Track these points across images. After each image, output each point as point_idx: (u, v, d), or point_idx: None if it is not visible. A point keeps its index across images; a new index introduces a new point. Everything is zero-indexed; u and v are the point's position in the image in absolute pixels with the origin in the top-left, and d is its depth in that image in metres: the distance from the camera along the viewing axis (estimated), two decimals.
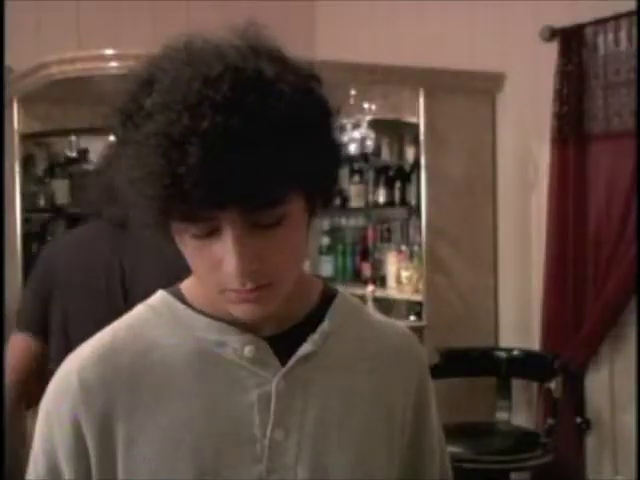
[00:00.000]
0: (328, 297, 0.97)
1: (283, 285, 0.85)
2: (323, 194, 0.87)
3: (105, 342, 0.92)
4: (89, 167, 4.14)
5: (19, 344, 1.94)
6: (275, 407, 0.89)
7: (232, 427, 0.89)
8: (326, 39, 4.76)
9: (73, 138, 4.20)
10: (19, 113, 3.66)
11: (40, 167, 4.11)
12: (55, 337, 1.92)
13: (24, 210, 3.74)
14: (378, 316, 1.04)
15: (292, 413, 0.90)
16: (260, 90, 0.78)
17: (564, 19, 3.50)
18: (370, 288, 3.94)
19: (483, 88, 3.89)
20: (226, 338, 0.90)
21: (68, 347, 1.02)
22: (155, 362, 0.90)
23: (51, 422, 0.90)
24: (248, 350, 0.89)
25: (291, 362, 0.90)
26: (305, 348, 0.91)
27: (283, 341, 0.91)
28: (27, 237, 3.84)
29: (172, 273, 0.99)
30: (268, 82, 0.79)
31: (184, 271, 0.92)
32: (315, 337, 0.92)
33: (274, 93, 0.79)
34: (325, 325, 0.93)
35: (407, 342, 1.01)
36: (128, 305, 0.98)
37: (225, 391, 0.89)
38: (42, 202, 4.01)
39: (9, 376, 1.91)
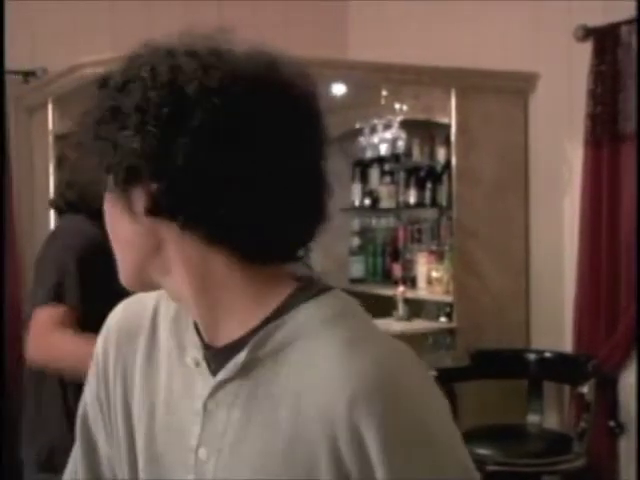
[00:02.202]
0: (291, 305, 0.86)
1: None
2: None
3: (139, 295, 0.99)
4: None
5: None
6: (202, 425, 0.88)
7: (180, 429, 0.90)
8: (358, 39, 4.76)
9: None
10: (53, 114, 3.70)
11: None
12: None
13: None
14: (354, 333, 0.85)
15: (214, 435, 0.87)
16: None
17: (598, 18, 3.47)
18: (400, 289, 3.94)
19: (516, 88, 3.87)
20: (187, 343, 0.91)
21: None
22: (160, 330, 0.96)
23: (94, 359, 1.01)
24: (190, 359, 0.90)
25: (212, 387, 0.87)
26: (221, 375, 0.87)
27: (232, 351, 0.86)
28: None
29: None
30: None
31: None
32: (230, 366, 0.86)
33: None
34: (241, 356, 0.85)
35: (345, 368, 0.81)
36: None
37: (183, 392, 0.91)
38: None
39: None
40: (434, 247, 4.12)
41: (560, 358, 3.63)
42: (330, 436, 0.80)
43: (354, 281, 4.54)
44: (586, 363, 3.41)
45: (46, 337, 1.92)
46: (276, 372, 0.84)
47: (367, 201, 4.58)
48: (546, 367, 3.63)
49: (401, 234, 4.50)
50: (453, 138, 3.73)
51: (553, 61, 3.75)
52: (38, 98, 3.84)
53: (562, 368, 3.61)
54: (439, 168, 4.13)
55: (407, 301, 3.91)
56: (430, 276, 4.03)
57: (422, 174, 4.26)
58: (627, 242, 3.40)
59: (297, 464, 0.82)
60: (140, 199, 0.83)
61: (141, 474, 0.94)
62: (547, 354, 3.65)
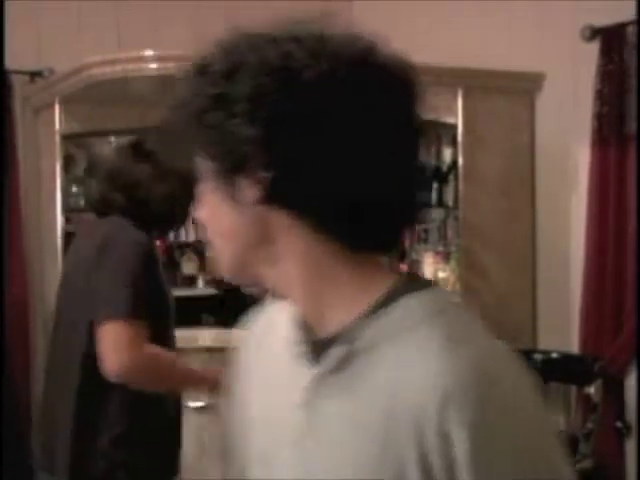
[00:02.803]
0: (392, 298, 0.84)
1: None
2: None
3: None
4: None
5: None
6: (304, 417, 0.86)
7: (284, 421, 0.89)
8: None
9: (112, 139, 4.25)
10: (60, 114, 3.71)
11: (80, 167, 4.16)
12: None
13: (64, 210, 3.79)
14: (454, 330, 0.83)
15: (316, 428, 0.86)
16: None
17: (605, 18, 3.46)
18: None
19: (522, 88, 3.86)
20: (290, 334, 0.91)
21: None
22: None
23: None
24: (293, 350, 0.90)
25: (312, 379, 0.86)
26: (320, 368, 0.86)
27: (332, 343, 0.85)
28: (67, 236, 3.90)
29: None
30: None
31: None
32: (328, 359, 0.85)
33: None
34: (339, 349, 0.84)
35: (441, 366, 0.79)
36: None
37: (287, 383, 0.90)
38: (82, 202, 4.06)
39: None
40: (440, 247, 4.11)
41: (566, 359, 3.62)
42: (419, 440, 0.78)
43: None
44: (593, 364, 3.40)
45: (137, 353, 1.86)
46: (374, 366, 0.82)
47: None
48: (552, 368, 3.62)
49: (407, 234, 4.49)
50: (459, 138, 3.72)
51: (560, 61, 3.74)
52: (45, 98, 3.85)
53: (568, 369, 3.60)
54: (445, 168, 4.12)
55: None
56: (436, 276, 4.02)
57: (428, 174, 4.26)
58: (634, 243, 3.39)
59: (387, 467, 0.80)
60: (248, 188, 0.81)
61: (253, 469, 0.95)
62: (553, 355, 3.65)
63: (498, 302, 3.75)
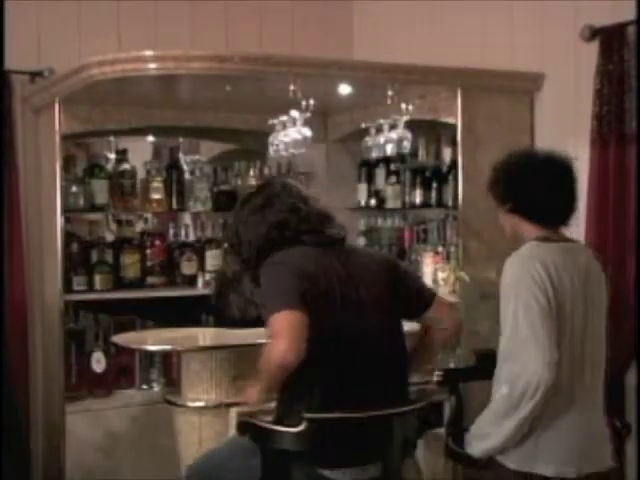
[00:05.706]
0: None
1: None
2: None
3: None
4: (127, 167, 4.20)
5: (299, 317, 2.23)
6: None
7: None
8: (364, 40, 4.76)
9: (112, 139, 4.25)
10: (60, 114, 3.71)
11: (80, 167, 4.16)
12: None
13: (64, 210, 3.79)
14: None
15: None
16: None
17: (604, 18, 3.46)
18: None
19: (522, 88, 3.86)
20: None
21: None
22: None
23: None
24: None
25: None
26: None
27: None
28: (67, 236, 3.90)
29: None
30: None
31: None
32: None
33: None
34: None
35: None
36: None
37: None
38: (82, 202, 4.06)
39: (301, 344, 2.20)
40: (440, 247, 4.11)
41: None
42: None
43: None
44: None
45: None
46: None
47: (373, 201, 4.57)
48: None
49: (407, 234, 4.49)
50: (459, 138, 3.72)
51: (559, 61, 3.75)
52: (45, 98, 3.85)
53: None
54: (445, 168, 4.13)
55: None
56: (436, 276, 4.02)
57: (428, 174, 4.26)
58: (633, 243, 3.39)
59: None
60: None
61: None
62: None
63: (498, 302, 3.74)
